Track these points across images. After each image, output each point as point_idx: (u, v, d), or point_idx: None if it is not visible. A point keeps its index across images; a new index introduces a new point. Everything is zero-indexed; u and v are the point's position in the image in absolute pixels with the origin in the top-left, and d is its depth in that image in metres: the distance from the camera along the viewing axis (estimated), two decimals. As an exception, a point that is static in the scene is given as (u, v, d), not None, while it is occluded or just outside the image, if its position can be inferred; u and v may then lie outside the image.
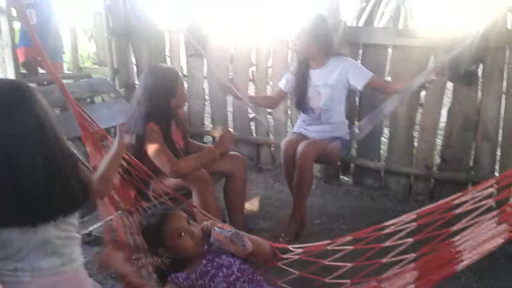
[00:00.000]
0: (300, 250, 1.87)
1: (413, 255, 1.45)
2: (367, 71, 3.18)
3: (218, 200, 2.98)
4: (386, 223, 1.62)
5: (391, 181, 3.95)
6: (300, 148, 3.03)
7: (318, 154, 3.04)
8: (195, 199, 2.64)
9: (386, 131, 4.16)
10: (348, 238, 1.74)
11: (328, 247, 1.78)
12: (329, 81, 3.15)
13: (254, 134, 4.42)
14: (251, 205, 3.56)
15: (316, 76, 3.20)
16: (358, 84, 3.13)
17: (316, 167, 3.85)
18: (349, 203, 3.74)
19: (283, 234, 3.09)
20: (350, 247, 1.71)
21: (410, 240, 1.48)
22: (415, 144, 3.90)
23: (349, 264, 1.56)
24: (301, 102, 3.27)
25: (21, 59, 3.79)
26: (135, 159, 2.34)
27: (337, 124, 3.24)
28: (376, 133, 3.94)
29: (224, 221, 3.09)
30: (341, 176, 4.20)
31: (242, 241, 1.77)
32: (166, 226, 1.81)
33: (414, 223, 1.64)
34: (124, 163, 2.14)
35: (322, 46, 3.14)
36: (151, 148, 2.63)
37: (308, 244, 1.88)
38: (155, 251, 1.87)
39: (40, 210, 1.27)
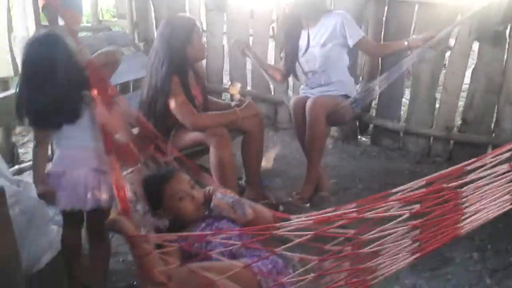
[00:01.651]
0: (303, 219, 1.81)
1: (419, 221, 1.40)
2: (360, 30, 3.10)
3: (235, 157, 3.00)
4: (393, 190, 1.56)
5: (410, 142, 3.92)
6: (309, 103, 2.99)
7: (329, 112, 2.98)
8: (212, 154, 2.66)
9: (407, 92, 4.09)
10: (352, 205, 1.66)
11: (331, 215, 1.69)
12: (323, 40, 3.05)
13: (272, 93, 4.39)
14: (268, 163, 3.57)
15: (309, 37, 3.10)
16: (349, 41, 3.04)
17: (334, 127, 3.82)
18: (365, 164, 3.73)
19: (294, 193, 3.11)
20: (354, 215, 1.63)
21: (417, 206, 1.41)
22: (437, 105, 3.83)
23: (351, 231, 1.50)
24: (293, 67, 3.22)
25: (41, 4, 3.77)
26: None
27: (341, 82, 3.12)
28: (396, 93, 3.88)
29: (240, 178, 3.14)
30: (358, 136, 4.17)
31: (243, 209, 1.76)
32: (167, 188, 1.79)
33: (423, 189, 1.57)
34: (135, 123, 2.18)
35: (312, 2, 3.04)
36: (173, 100, 2.64)
37: (310, 214, 1.79)
38: (154, 211, 1.83)
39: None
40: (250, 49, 3.40)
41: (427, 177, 1.51)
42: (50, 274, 2.42)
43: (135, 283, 2.38)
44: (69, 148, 2.02)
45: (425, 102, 3.80)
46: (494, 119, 3.64)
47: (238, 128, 2.93)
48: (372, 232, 1.34)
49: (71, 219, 2.11)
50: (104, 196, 1.96)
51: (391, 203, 1.33)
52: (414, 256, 1.36)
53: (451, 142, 3.79)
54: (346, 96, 3.08)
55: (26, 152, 3.94)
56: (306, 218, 1.36)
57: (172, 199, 1.78)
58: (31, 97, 1.92)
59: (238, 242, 1.62)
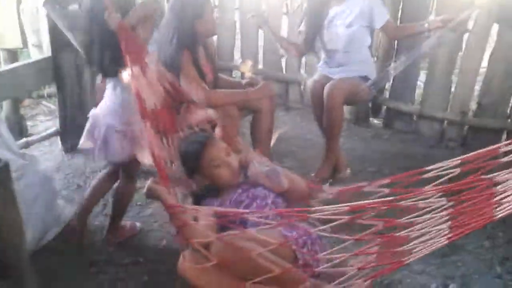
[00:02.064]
0: (335, 190, 1.80)
1: (451, 203, 1.36)
2: (386, 12, 3.01)
3: (244, 136, 2.96)
4: (428, 168, 1.51)
5: (423, 126, 3.84)
6: (327, 89, 2.93)
7: (347, 95, 2.93)
8: (218, 133, 2.61)
9: (422, 74, 3.99)
10: (386, 180, 1.67)
11: (365, 189, 1.66)
12: (349, 20, 2.96)
13: (284, 71, 4.31)
14: (277, 144, 3.52)
15: (335, 15, 3.01)
16: (376, 24, 2.97)
17: (346, 109, 3.75)
18: (377, 147, 3.67)
19: (312, 174, 3.08)
20: (387, 190, 1.59)
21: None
22: (452, 88, 3.74)
23: (383, 206, 1.48)
24: (313, 43, 3.13)
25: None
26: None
27: (362, 63, 3.06)
28: (411, 76, 3.80)
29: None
30: (371, 119, 4.10)
31: (278, 178, 1.76)
32: (204, 155, 1.80)
33: (458, 169, 1.48)
34: (169, 87, 2.21)
35: None
36: (184, 75, 2.59)
37: (344, 186, 1.81)
38: (191, 177, 1.87)
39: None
40: (267, 24, 3.32)
41: (462, 157, 1.47)
42: (56, 249, 2.41)
43: (141, 259, 2.37)
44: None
45: (441, 85, 3.71)
46: (510, 104, 3.55)
47: (248, 107, 2.87)
48: (407, 217, 1.34)
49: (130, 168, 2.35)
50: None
51: (427, 192, 1.30)
52: (445, 242, 1.36)
53: (466, 127, 3.70)
54: (365, 78, 3.03)
55: (35, 125, 3.93)
56: (341, 205, 1.32)
57: (209, 166, 1.79)
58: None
59: (274, 208, 1.71)
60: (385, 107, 4.03)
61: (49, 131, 3.47)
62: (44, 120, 4.03)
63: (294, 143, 3.64)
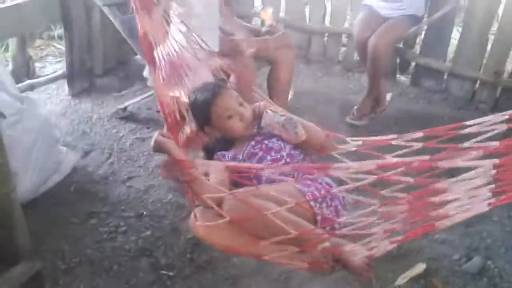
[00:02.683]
0: (360, 142, 1.63)
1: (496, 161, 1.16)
2: None
3: (260, 88, 2.77)
4: (468, 122, 1.34)
5: (453, 86, 3.58)
6: (372, 41, 2.90)
7: (392, 43, 3.01)
8: (232, 82, 2.43)
9: (455, 31, 3.69)
10: (418, 134, 1.47)
11: (393, 142, 1.51)
12: None
13: (307, 21, 4.04)
14: (295, 98, 3.32)
15: None
16: None
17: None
18: (403, 105, 3.44)
19: (355, 107, 3.11)
20: (420, 145, 1.44)
21: (495, 144, 1.16)
22: (488, 46, 3.44)
23: (415, 165, 1.28)
24: None
25: None
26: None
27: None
28: (445, 31, 3.50)
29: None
30: (397, 75, 3.84)
31: (295, 127, 1.61)
32: (215, 105, 1.66)
33: (504, 125, 1.29)
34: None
35: None
36: None
37: (369, 137, 1.62)
38: (201, 129, 1.74)
39: None
40: None
41: (510, 112, 1.28)
42: (55, 198, 2.31)
43: (144, 213, 2.25)
44: None
45: (476, 42, 3.41)
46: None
47: (266, 57, 2.68)
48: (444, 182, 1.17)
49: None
50: None
51: (471, 152, 1.14)
52: (486, 208, 1.18)
53: (499, 88, 3.43)
54: (413, 17, 3.04)
55: (44, 67, 3.78)
56: (368, 162, 1.17)
57: (220, 117, 1.66)
58: None
59: (290, 161, 1.60)
60: (414, 63, 3.75)
61: (55, 74, 3.32)
62: (53, 62, 3.87)
63: (313, 98, 3.43)
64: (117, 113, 3.01)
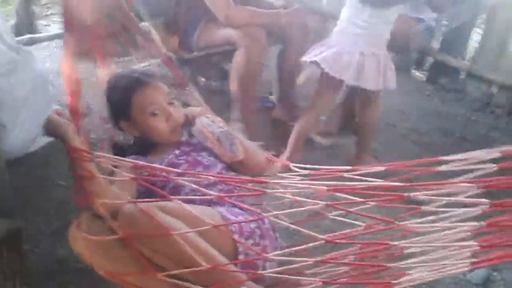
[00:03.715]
0: (306, 172, 1.30)
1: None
2: None
3: (267, 68, 2.63)
4: (447, 157, 0.98)
5: (471, 86, 3.44)
6: None
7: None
8: (237, 56, 2.29)
9: (476, 31, 3.54)
10: (379, 168, 1.10)
11: (346, 175, 1.13)
12: None
13: (325, 1, 3.87)
14: (304, 81, 3.17)
15: None
16: None
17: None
18: (417, 101, 3.30)
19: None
20: (379, 181, 1.02)
21: (486, 202, 0.85)
22: (510, 48, 3.29)
23: (369, 202, 0.99)
24: None
25: None
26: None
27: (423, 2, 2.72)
28: (466, 27, 3.35)
29: (270, 94, 2.78)
30: (413, 70, 3.69)
31: (232, 144, 1.36)
32: (137, 95, 1.38)
33: (493, 166, 0.93)
34: None
35: None
36: None
37: (318, 166, 1.27)
38: (116, 122, 1.46)
39: None
40: None
41: (503, 148, 0.92)
42: (46, 158, 2.18)
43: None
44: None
45: (498, 41, 3.26)
46: None
47: (278, 34, 2.52)
48: (415, 222, 0.92)
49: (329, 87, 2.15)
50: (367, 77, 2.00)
51: (456, 185, 0.86)
52: (466, 268, 0.89)
53: (518, 93, 3.29)
54: (419, 20, 2.73)
55: (48, 25, 3.64)
56: (316, 183, 0.95)
57: (142, 112, 1.38)
58: None
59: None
60: (431, 59, 3.60)
61: (57, 32, 3.18)
62: (57, 21, 3.72)
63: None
64: (116, 74, 2.85)
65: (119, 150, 1.46)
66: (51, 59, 3.05)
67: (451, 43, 3.44)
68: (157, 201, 1.05)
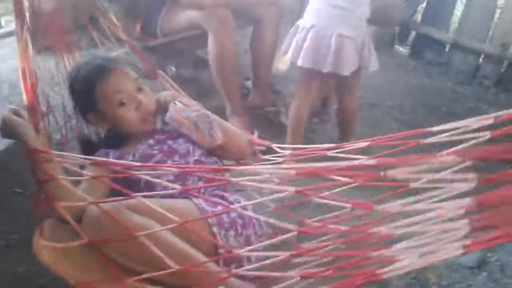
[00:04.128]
0: (288, 152, 1.27)
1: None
2: None
3: (241, 52, 2.48)
4: (433, 128, 0.91)
5: (456, 58, 3.30)
6: None
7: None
8: (210, 41, 2.14)
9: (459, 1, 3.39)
10: (363, 143, 1.05)
11: (329, 153, 1.11)
12: None
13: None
14: (281, 63, 3.02)
15: None
16: None
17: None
18: (400, 77, 3.16)
19: None
20: (362, 158, 0.93)
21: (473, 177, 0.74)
22: (496, 16, 3.15)
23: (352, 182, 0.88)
24: None
25: None
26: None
27: None
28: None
29: (247, 79, 2.64)
30: (396, 46, 3.55)
31: (210, 128, 1.27)
32: (103, 84, 1.26)
33: (487, 134, 0.84)
34: None
35: None
36: None
37: (301, 145, 1.24)
38: (83, 115, 1.35)
39: None
40: None
41: (496, 114, 0.83)
42: (2, 164, 2.03)
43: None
44: (324, 3, 1.85)
45: (483, 10, 3.13)
46: None
47: (248, 14, 2.37)
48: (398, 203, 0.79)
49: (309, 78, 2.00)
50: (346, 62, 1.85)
51: (441, 158, 0.75)
52: (459, 251, 0.77)
53: (505, 62, 3.16)
54: None
55: (12, 21, 3.44)
56: (286, 167, 0.85)
57: (109, 102, 1.26)
58: None
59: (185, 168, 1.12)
60: (414, 32, 3.46)
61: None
62: (21, 17, 3.53)
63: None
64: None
65: (89, 145, 1.38)
66: (12, 56, 2.87)
67: (434, 14, 3.29)
68: (124, 199, 0.94)
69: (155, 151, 1.25)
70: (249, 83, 2.63)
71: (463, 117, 0.94)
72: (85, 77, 1.28)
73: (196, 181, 1.20)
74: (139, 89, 1.29)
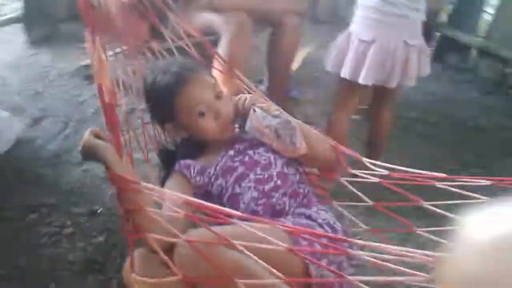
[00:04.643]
0: (384, 171, 1.17)
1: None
2: None
3: (260, 54, 2.28)
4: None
5: (483, 65, 3.10)
6: None
7: None
8: (222, 47, 1.94)
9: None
10: (484, 182, 0.97)
11: (439, 185, 1.05)
12: None
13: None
14: (299, 67, 2.81)
15: None
16: None
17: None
18: (422, 84, 2.92)
19: None
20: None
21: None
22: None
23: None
24: None
25: None
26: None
27: None
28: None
29: (259, 82, 2.45)
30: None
31: (293, 135, 1.16)
32: (182, 96, 1.17)
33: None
34: None
35: None
36: None
37: (401, 168, 1.13)
38: (161, 125, 1.28)
39: None
40: None
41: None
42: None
43: (99, 210, 1.79)
44: (383, 13, 1.66)
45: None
46: None
47: (267, 18, 2.18)
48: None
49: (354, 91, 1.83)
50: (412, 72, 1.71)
51: None
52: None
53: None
54: None
55: (3, 4, 3.19)
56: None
57: (188, 112, 1.18)
58: None
59: (281, 184, 1.15)
60: (439, 34, 3.24)
61: (10, 16, 2.75)
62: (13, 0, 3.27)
63: (319, 67, 2.91)
64: (81, 70, 2.48)
65: (168, 154, 1.32)
66: (3, 49, 2.64)
67: (462, 17, 3.07)
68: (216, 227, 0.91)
69: (236, 163, 1.19)
70: (262, 88, 2.44)
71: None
72: (163, 87, 1.19)
73: (282, 195, 1.14)
74: (218, 96, 1.19)
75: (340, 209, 1.27)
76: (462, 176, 1.00)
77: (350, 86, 1.81)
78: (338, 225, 1.11)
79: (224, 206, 1.05)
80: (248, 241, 0.85)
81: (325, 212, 1.15)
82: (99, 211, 1.77)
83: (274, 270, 0.82)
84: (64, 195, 1.81)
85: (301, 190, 1.18)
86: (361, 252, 0.75)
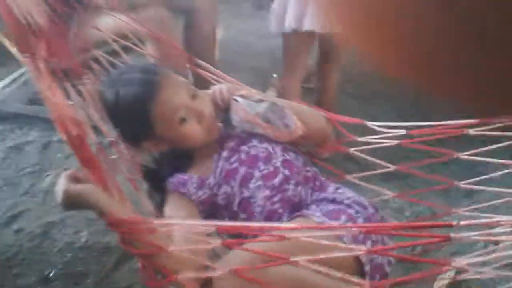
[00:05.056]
0: (402, 131, 1.06)
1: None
2: None
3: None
4: None
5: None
6: None
7: None
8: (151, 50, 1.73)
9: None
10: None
11: (471, 131, 0.97)
12: None
13: None
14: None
15: None
16: None
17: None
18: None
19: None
20: None
21: None
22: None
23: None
24: None
25: None
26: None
27: None
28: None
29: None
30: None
31: (284, 117, 1.06)
32: (155, 104, 1.00)
33: None
34: None
35: None
36: None
37: (418, 123, 1.04)
38: (136, 146, 1.11)
39: None
40: None
41: None
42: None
43: (51, 274, 1.49)
44: None
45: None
46: None
47: (178, 5, 2.03)
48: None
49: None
50: None
51: None
52: None
53: None
54: None
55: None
56: None
57: (169, 123, 1.02)
58: None
59: (290, 174, 1.05)
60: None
61: None
62: None
63: (239, 50, 2.73)
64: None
65: (154, 175, 1.14)
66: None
67: None
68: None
69: (235, 164, 1.06)
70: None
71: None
72: (130, 100, 1.01)
73: (295, 186, 1.04)
74: (193, 96, 1.04)
75: (356, 181, 1.17)
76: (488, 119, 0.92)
77: (295, 40, 1.72)
78: (364, 200, 1.03)
79: (237, 214, 1.02)
80: (306, 252, 0.72)
81: (345, 190, 1.07)
82: (51, 275, 1.48)
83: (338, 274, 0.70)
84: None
85: (310, 174, 1.09)
86: (470, 234, 0.63)
